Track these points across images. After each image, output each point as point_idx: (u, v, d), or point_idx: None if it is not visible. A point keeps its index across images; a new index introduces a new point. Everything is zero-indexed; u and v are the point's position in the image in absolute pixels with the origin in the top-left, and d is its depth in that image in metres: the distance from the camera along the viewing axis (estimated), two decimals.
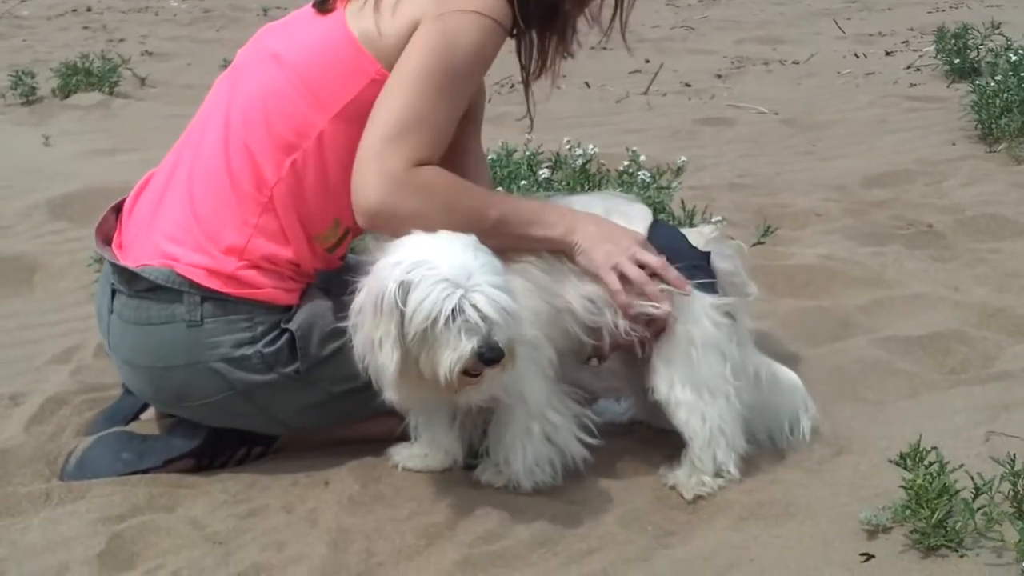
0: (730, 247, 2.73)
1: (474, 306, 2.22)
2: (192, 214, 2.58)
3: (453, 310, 2.21)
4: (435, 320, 2.21)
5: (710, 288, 2.59)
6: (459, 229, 2.37)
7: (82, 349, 3.40)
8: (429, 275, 2.23)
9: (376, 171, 2.46)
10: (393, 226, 2.44)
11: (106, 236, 2.74)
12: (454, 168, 2.61)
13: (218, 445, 2.72)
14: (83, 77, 7.77)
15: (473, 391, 2.36)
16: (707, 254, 2.62)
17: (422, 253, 2.28)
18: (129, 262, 2.60)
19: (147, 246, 2.61)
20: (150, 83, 8.01)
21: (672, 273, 2.53)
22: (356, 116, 2.53)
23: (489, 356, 2.22)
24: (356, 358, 2.35)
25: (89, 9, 12.62)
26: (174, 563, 2.34)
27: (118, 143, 6.30)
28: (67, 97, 7.61)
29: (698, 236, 2.69)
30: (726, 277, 2.65)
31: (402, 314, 2.24)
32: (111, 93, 7.71)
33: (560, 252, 2.55)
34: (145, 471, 2.67)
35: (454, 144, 2.65)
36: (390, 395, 2.35)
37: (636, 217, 2.66)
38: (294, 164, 2.56)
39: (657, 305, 2.51)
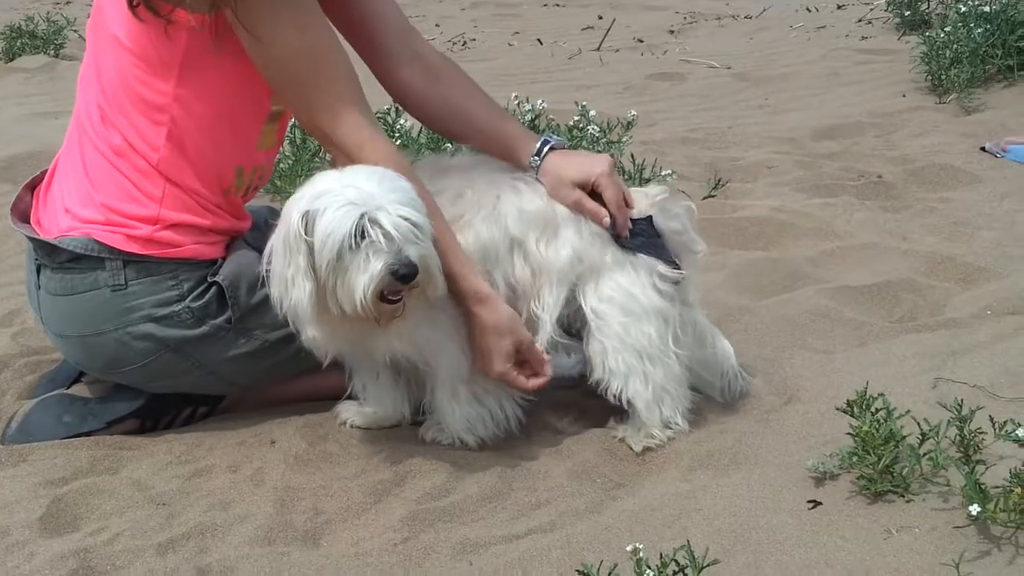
0: (679, 206, 2.69)
1: (379, 225, 2.18)
2: (97, 192, 2.54)
3: (361, 232, 2.18)
4: (343, 244, 2.18)
5: (655, 251, 2.56)
6: None
7: (24, 312, 3.34)
8: (333, 201, 2.21)
9: (321, 134, 2.46)
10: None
11: (22, 214, 2.69)
12: (364, 17, 2.67)
13: (162, 406, 2.69)
14: (28, 40, 7.64)
15: (394, 326, 2.32)
16: (648, 218, 2.59)
17: (329, 184, 2.25)
18: (48, 235, 2.56)
19: (64, 217, 2.57)
20: None
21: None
22: (199, 65, 2.47)
23: (403, 272, 2.19)
24: (273, 302, 2.32)
25: None
26: (117, 525, 2.30)
27: (63, 106, 6.19)
28: (11, 60, 7.49)
29: (643, 197, 2.63)
30: (674, 236, 2.62)
31: (310, 246, 2.21)
32: (56, 55, 7.60)
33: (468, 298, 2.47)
34: (88, 434, 2.64)
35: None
36: (309, 333, 2.31)
37: None
38: (169, 135, 2.50)
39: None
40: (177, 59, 2.46)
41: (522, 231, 2.51)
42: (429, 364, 2.50)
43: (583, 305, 2.54)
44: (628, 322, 2.51)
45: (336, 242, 2.19)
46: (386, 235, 2.18)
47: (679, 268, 2.58)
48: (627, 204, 2.57)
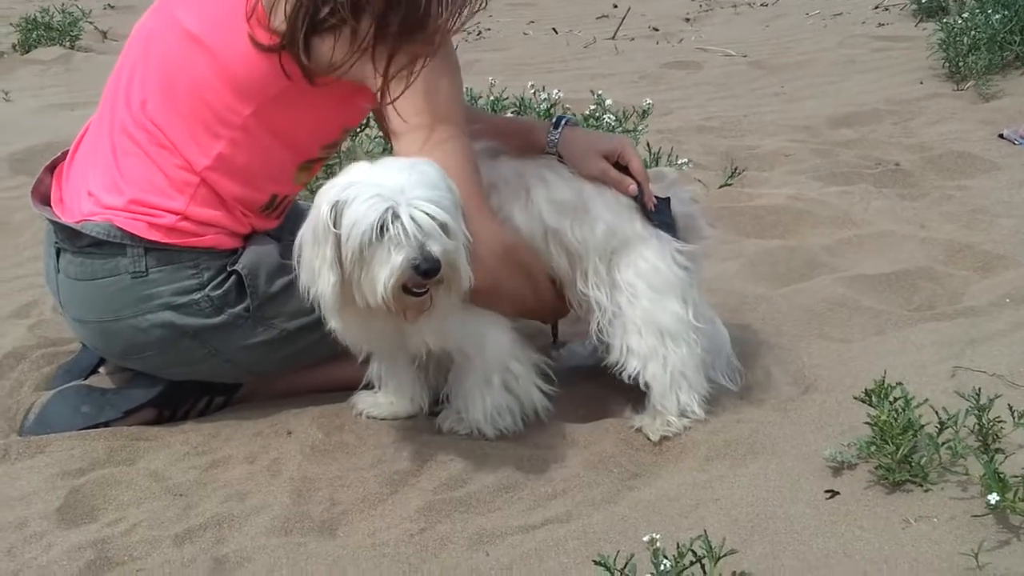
0: (688, 191, 2.70)
1: (402, 218, 2.16)
2: (126, 183, 2.53)
3: (383, 225, 2.16)
4: (365, 236, 2.17)
5: (672, 232, 2.56)
6: (542, 302, 2.53)
7: (41, 304, 3.35)
8: (361, 192, 2.19)
9: (479, 246, 2.37)
10: (492, 303, 2.48)
11: (43, 196, 2.69)
12: None
13: (179, 395, 2.69)
14: (44, 32, 7.67)
15: (423, 321, 2.31)
16: (667, 199, 2.59)
17: (359, 175, 2.23)
18: (70, 219, 2.56)
19: (87, 202, 2.56)
20: (112, 36, 7.91)
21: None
22: (286, 104, 2.47)
23: (425, 267, 2.16)
24: (301, 291, 2.31)
25: None
26: (134, 516, 2.31)
27: (78, 97, 6.22)
28: (27, 52, 7.51)
29: (661, 179, 2.66)
30: (684, 220, 2.62)
31: (337, 236, 2.20)
32: (72, 47, 7.62)
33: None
34: (105, 424, 2.64)
35: None
36: (333, 323, 2.31)
37: None
38: (223, 149, 2.50)
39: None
40: (270, 93, 2.45)
41: (557, 221, 2.53)
42: (466, 354, 2.48)
43: (618, 278, 2.54)
44: (656, 297, 2.52)
45: (359, 234, 2.17)
46: (409, 229, 2.16)
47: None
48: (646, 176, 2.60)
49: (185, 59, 2.49)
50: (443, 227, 2.19)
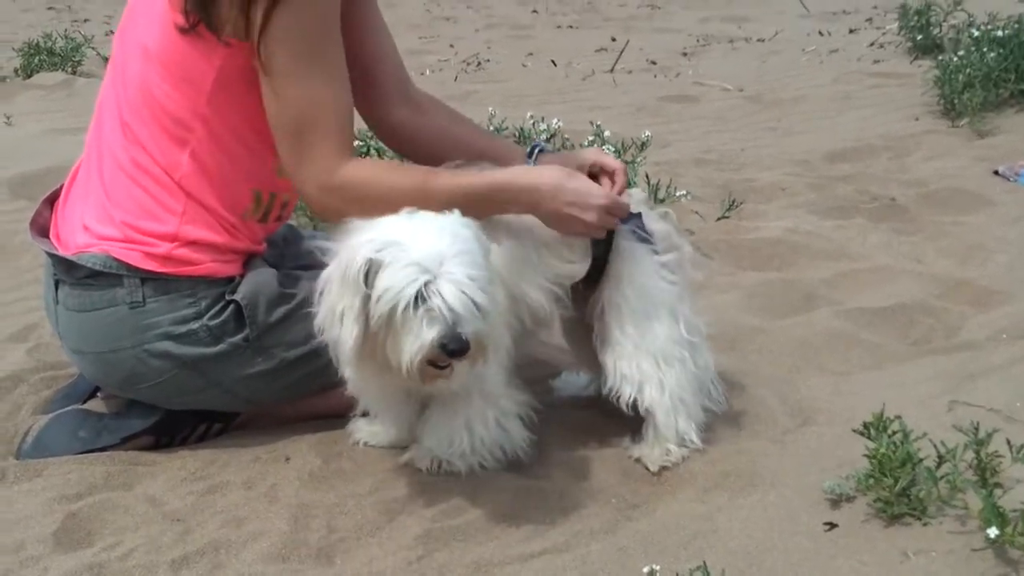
0: (658, 211, 2.72)
1: (440, 294, 2.13)
2: (116, 208, 2.54)
3: (418, 296, 2.13)
4: (399, 305, 2.13)
5: (650, 247, 2.57)
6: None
7: (40, 327, 3.34)
8: (400, 257, 2.15)
9: (302, 185, 2.44)
10: (347, 215, 2.39)
11: (41, 229, 2.70)
12: (367, 65, 2.67)
13: (177, 422, 2.69)
14: (46, 57, 7.70)
15: (443, 384, 2.30)
16: (639, 214, 2.60)
17: (397, 233, 2.19)
18: (67, 251, 2.57)
19: (82, 234, 2.57)
20: None
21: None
22: (230, 87, 2.48)
23: (453, 348, 2.13)
24: (316, 328, 2.29)
25: None
26: (131, 541, 2.30)
27: (80, 122, 6.19)
28: (30, 77, 7.53)
29: (629, 200, 2.66)
30: (663, 238, 2.63)
31: (367, 294, 2.16)
32: (74, 72, 7.65)
33: (524, 201, 2.45)
34: (103, 449, 2.64)
35: (355, 38, 2.62)
36: (347, 372, 2.31)
37: None
38: (192, 154, 2.51)
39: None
40: (210, 78, 2.46)
41: (547, 233, 2.51)
42: (467, 389, 2.45)
43: (605, 298, 2.54)
44: (645, 318, 2.52)
45: (392, 300, 2.14)
46: (444, 307, 2.13)
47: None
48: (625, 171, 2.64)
49: (143, 71, 2.51)
50: (477, 306, 2.16)
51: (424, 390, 2.40)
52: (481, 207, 2.38)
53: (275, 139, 2.46)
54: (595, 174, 2.63)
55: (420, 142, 2.81)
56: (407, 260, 2.14)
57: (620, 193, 2.58)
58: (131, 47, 2.56)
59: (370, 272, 2.16)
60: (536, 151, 2.71)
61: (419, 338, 2.14)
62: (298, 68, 2.38)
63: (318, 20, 2.39)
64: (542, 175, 2.44)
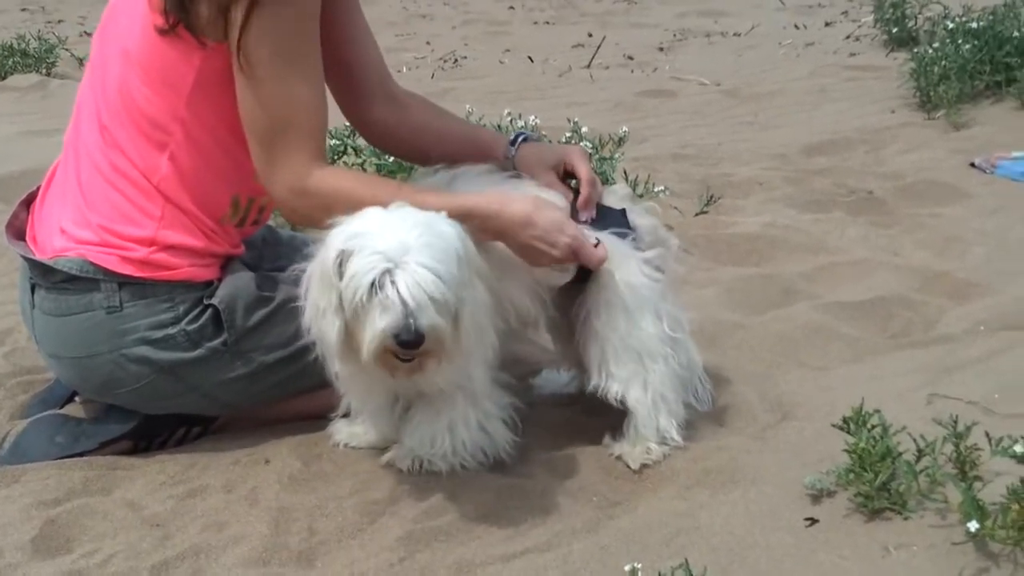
0: (642, 205, 2.72)
1: (396, 284, 2.12)
2: (93, 212, 2.52)
3: (377, 284, 2.13)
4: (359, 293, 2.14)
5: (633, 243, 2.57)
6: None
7: (16, 332, 3.32)
8: (365, 246, 2.16)
9: (272, 187, 2.44)
10: (315, 222, 2.39)
11: (18, 231, 2.68)
12: (350, 64, 2.68)
13: (155, 426, 2.67)
14: (20, 59, 7.64)
15: (420, 379, 2.30)
16: (622, 210, 2.60)
17: (370, 224, 2.20)
18: (43, 255, 2.55)
19: (59, 238, 2.55)
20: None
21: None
22: (209, 89, 2.46)
23: (406, 338, 2.12)
24: (303, 326, 2.29)
25: None
26: (111, 547, 2.28)
27: (55, 124, 6.15)
28: (3, 79, 7.48)
29: (612, 196, 2.67)
30: (648, 232, 2.63)
31: (339, 286, 2.18)
32: (48, 74, 7.60)
33: (491, 228, 2.43)
34: (80, 454, 2.62)
35: (338, 38, 2.64)
36: (335, 367, 2.30)
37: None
38: (171, 157, 2.50)
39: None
40: (189, 80, 2.45)
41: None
42: (460, 386, 2.44)
43: (589, 297, 2.54)
44: (630, 316, 2.51)
45: (354, 288, 2.14)
46: (400, 296, 2.12)
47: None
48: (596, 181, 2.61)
49: (122, 74, 2.50)
50: (440, 301, 2.16)
51: (407, 389, 2.40)
52: None
53: (248, 140, 2.44)
54: (569, 173, 2.62)
55: (402, 138, 2.81)
56: (372, 249, 2.15)
57: (584, 206, 2.56)
58: (111, 49, 2.54)
59: (341, 263, 2.18)
60: (519, 140, 2.71)
61: (373, 327, 2.14)
62: (275, 69, 2.37)
63: (297, 22, 2.37)
64: (511, 206, 2.41)
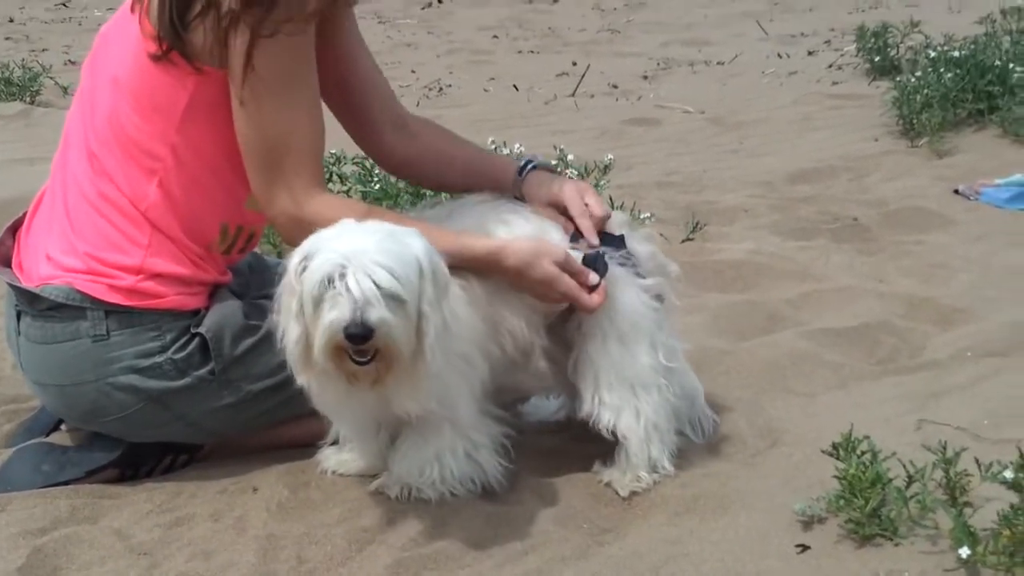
0: (642, 232, 2.73)
1: (346, 280, 2.13)
2: (80, 240, 2.52)
3: (325, 281, 2.14)
4: (313, 291, 2.15)
5: (633, 271, 2.57)
6: None
7: (0, 361, 3.30)
8: (324, 248, 2.18)
9: (271, 212, 2.45)
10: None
11: (3, 258, 2.67)
12: (353, 92, 2.71)
13: (141, 454, 2.65)
14: (3, 87, 7.64)
15: (389, 396, 2.29)
16: (621, 236, 2.60)
17: (334, 231, 2.22)
18: (29, 283, 2.54)
19: (45, 265, 2.54)
20: (73, 92, 7.85)
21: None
22: (200, 115, 2.47)
23: (353, 331, 2.11)
24: (276, 342, 2.29)
25: (12, 20, 12.42)
26: (98, 575, 2.26)
27: (39, 152, 6.15)
28: None
29: (610, 222, 2.66)
30: (649, 259, 2.63)
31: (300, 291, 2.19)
32: (32, 103, 7.59)
33: (487, 263, 2.45)
34: (66, 483, 2.60)
35: (342, 69, 2.68)
36: (300, 379, 2.28)
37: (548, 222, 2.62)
38: (160, 184, 2.50)
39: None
40: (181, 106, 2.45)
41: None
42: (440, 418, 2.43)
43: (582, 320, 2.54)
44: (624, 344, 2.51)
45: (309, 288, 2.16)
46: (350, 290, 2.13)
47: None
48: (595, 215, 2.58)
49: (112, 102, 2.50)
50: (392, 298, 2.16)
51: (382, 411, 2.39)
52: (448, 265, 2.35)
53: (246, 166, 2.45)
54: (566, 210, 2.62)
55: (415, 167, 2.85)
56: (330, 251, 2.16)
57: (586, 236, 2.56)
58: (101, 78, 2.55)
59: (305, 269, 2.19)
60: (526, 168, 2.71)
61: (323, 322, 2.15)
62: (274, 95, 2.38)
63: (295, 48, 2.38)
64: (507, 258, 2.43)
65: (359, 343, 2.14)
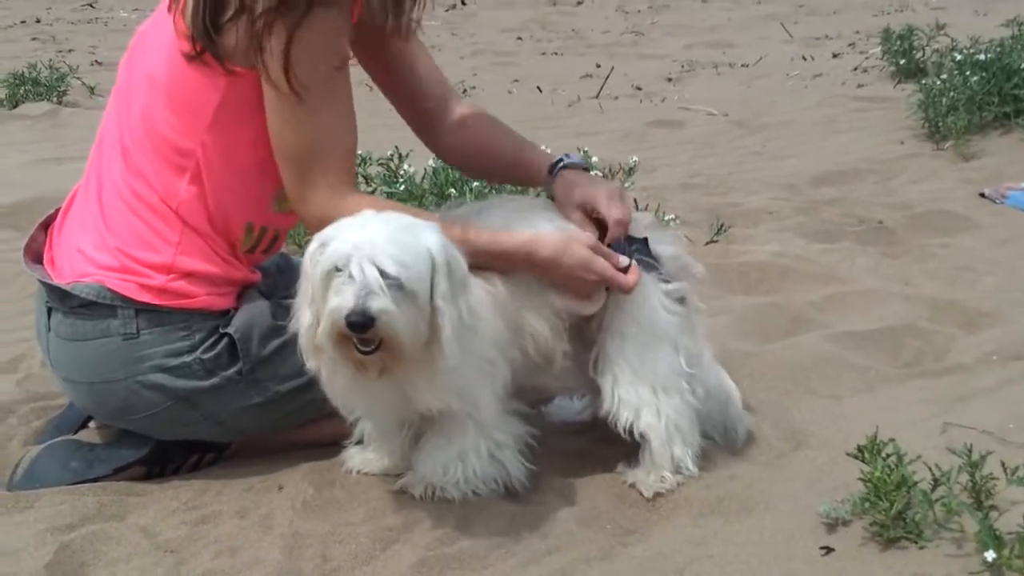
0: (669, 233, 2.73)
1: (351, 267, 2.14)
2: (112, 236, 2.54)
3: (337, 268, 2.15)
4: (319, 278, 2.17)
5: (656, 274, 2.57)
6: None
7: (29, 358, 3.33)
8: (338, 236, 2.19)
9: (304, 212, 2.47)
10: None
11: (36, 254, 2.69)
12: (411, 89, 2.78)
13: (168, 452, 2.67)
14: (31, 87, 7.69)
15: (406, 385, 2.30)
16: (645, 239, 2.61)
17: (352, 220, 2.23)
18: (61, 279, 2.56)
19: (77, 262, 2.56)
20: (99, 92, 7.92)
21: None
22: (232, 115, 2.49)
23: (353, 319, 2.11)
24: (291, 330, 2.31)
25: (39, 21, 12.52)
26: (124, 572, 2.28)
27: (66, 152, 6.22)
28: (15, 107, 7.52)
29: (636, 224, 2.66)
30: (673, 261, 2.63)
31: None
32: (59, 103, 7.64)
33: (520, 256, 2.46)
34: (94, 480, 2.62)
35: (399, 67, 2.75)
36: (309, 364, 2.29)
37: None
38: (191, 181, 2.51)
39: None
40: (212, 105, 2.47)
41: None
42: (464, 415, 2.43)
43: (606, 323, 2.54)
44: (645, 346, 2.51)
45: (319, 274, 2.18)
46: (351, 278, 2.14)
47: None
48: (613, 217, 2.57)
49: (147, 101, 2.52)
50: (399, 288, 2.16)
51: (403, 407, 2.40)
52: (478, 264, 2.38)
53: (280, 165, 2.47)
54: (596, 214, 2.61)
55: (467, 159, 2.93)
56: (343, 237, 2.18)
57: (609, 244, 2.55)
58: (137, 76, 2.57)
59: (320, 256, 2.21)
60: (560, 167, 2.70)
61: (327, 308, 2.16)
62: (309, 96, 2.39)
63: (330, 49, 2.40)
64: (540, 250, 2.45)
65: (360, 331, 2.14)
